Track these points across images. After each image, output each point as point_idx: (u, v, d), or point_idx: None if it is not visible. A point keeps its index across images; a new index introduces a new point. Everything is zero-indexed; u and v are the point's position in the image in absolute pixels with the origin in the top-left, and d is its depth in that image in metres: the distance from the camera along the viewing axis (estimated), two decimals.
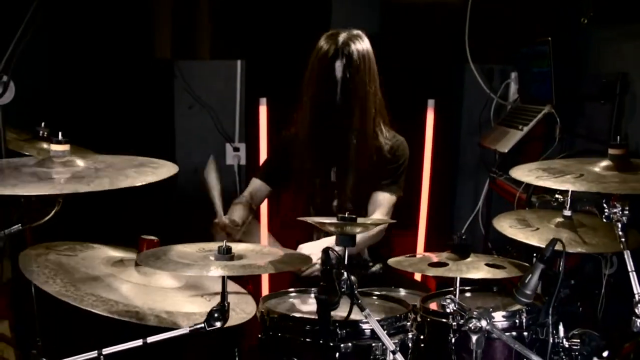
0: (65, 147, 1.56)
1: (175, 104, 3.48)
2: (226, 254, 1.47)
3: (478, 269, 1.48)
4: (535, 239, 1.86)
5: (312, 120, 2.31)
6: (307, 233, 2.41)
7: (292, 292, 1.87)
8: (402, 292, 2.08)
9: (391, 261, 1.57)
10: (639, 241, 1.89)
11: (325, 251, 1.41)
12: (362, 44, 2.28)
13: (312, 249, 2.00)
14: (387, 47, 3.39)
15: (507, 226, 1.99)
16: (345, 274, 1.42)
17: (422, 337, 1.63)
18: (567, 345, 1.60)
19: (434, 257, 1.61)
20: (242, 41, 3.52)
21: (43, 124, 2.20)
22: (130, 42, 3.25)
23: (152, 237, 1.75)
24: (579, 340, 1.64)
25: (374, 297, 1.84)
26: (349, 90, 2.22)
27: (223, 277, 1.41)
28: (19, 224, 1.68)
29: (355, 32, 2.31)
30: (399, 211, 2.56)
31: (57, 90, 3.09)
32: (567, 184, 1.57)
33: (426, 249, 3.25)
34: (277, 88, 3.36)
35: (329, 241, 2.10)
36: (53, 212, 1.62)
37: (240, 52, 3.44)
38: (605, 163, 1.64)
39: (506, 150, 2.82)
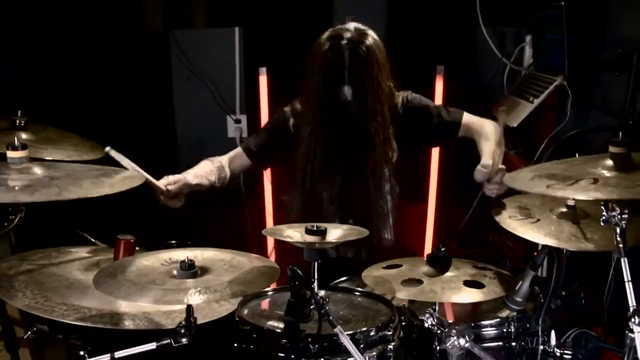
0: (23, 154, 1.52)
1: (173, 77, 3.35)
2: (189, 270, 1.40)
3: (454, 290, 1.37)
4: (534, 233, 1.76)
5: (316, 120, 2.19)
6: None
7: (270, 292, 1.79)
8: None
9: (365, 276, 1.47)
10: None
11: (292, 268, 1.33)
12: (369, 40, 2.14)
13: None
14: (395, 11, 3.22)
15: (507, 216, 1.89)
16: (314, 291, 1.34)
17: (405, 344, 1.54)
18: (558, 354, 1.51)
19: (407, 266, 1.50)
20: (239, 7, 3.37)
21: (19, 112, 2.09)
22: (119, 16, 3.15)
23: (129, 237, 1.71)
24: (572, 348, 1.54)
25: (358, 295, 1.74)
26: (357, 90, 2.10)
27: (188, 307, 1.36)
28: None
29: (362, 28, 2.18)
30: (409, 181, 2.48)
31: (47, 72, 3.02)
32: (590, 193, 1.41)
33: (436, 220, 3.18)
34: (277, 56, 3.25)
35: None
36: (17, 219, 1.60)
37: (238, 19, 3.28)
38: (607, 162, 1.50)
39: (515, 125, 2.67)
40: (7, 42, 2.80)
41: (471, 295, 1.37)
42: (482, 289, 1.39)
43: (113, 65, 3.17)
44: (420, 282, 1.40)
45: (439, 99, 3.07)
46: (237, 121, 3.39)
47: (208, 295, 1.31)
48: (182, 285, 1.36)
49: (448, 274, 1.45)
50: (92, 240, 2.31)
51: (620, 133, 1.45)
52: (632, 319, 1.37)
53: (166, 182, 2.11)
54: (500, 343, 1.52)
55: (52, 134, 2.17)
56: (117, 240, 1.70)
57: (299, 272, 1.31)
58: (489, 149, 2.12)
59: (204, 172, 2.26)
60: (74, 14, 3.02)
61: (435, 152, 3.04)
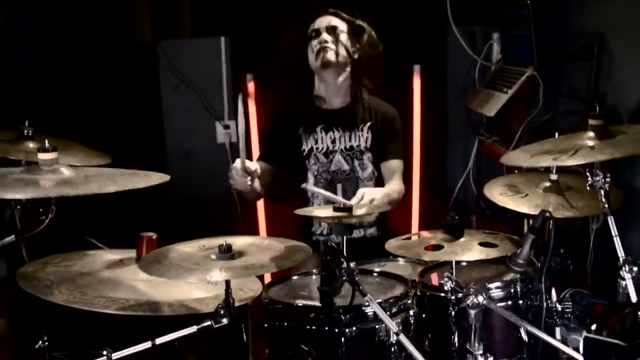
0: (53, 155, 1.58)
1: (161, 86, 3.44)
2: (227, 253, 1.51)
3: (472, 250, 1.55)
4: (525, 206, 1.96)
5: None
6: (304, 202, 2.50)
7: (294, 277, 1.94)
8: (401, 261, 2.17)
9: (389, 246, 1.63)
10: (621, 200, 2.00)
11: (326, 244, 1.47)
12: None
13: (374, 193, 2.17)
14: (370, 15, 3.40)
15: (498, 194, 2.08)
16: (345, 262, 1.47)
17: (423, 312, 1.71)
18: (560, 309, 1.69)
19: (428, 236, 1.68)
20: (224, 17, 3.48)
21: (27, 122, 2.16)
22: (110, 28, 3.21)
23: (151, 234, 1.77)
24: (571, 303, 1.73)
25: (375, 275, 1.91)
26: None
27: (227, 281, 1.46)
28: (12, 235, 1.71)
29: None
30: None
31: (39, 84, 3.04)
32: (596, 156, 1.62)
33: (421, 212, 3.35)
34: (263, 63, 3.37)
35: (383, 191, 2.30)
36: (47, 220, 1.65)
37: (224, 28, 3.40)
38: (589, 134, 1.71)
39: (493, 114, 2.88)
40: (9, 55, 2.84)
41: (488, 253, 1.54)
42: (495, 248, 1.56)
43: (104, 75, 3.22)
44: (440, 247, 1.57)
45: (417, 97, 3.27)
46: (226, 127, 3.48)
47: (255, 270, 1.43)
48: (227, 265, 1.47)
49: (462, 239, 1.62)
50: (100, 245, 2.38)
51: (597, 107, 1.66)
52: (623, 268, 1.57)
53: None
54: (509, 302, 1.69)
55: (56, 144, 2.22)
56: (140, 237, 1.76)
57: (334, 245, 1.45)
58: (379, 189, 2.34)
59: (267, 168, 2.42)
60: (67, 26, 3.08)
61: (416, 144, 3.23)
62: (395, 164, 2.49)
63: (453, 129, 3.63)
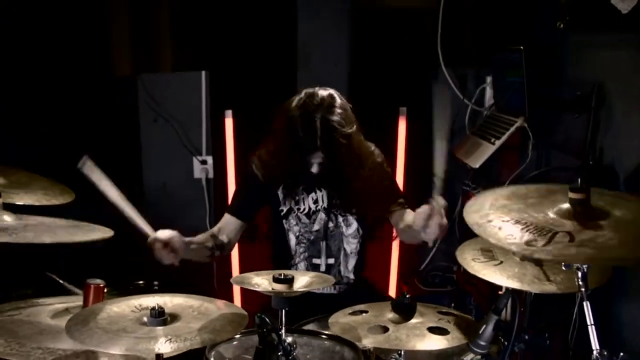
0: None
1: (140, 119, 3.36)
2: (159, 317, 1.42)
3: (418, 337, 1.37)
4: (497, 275, 1.77)
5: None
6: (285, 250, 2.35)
7: (238, 336, 1.76)
8: None
9: (333, 322, 1.46)
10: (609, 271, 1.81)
11: (260, 316, 1.34)
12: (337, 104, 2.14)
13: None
14: (357, 54, 3.29)
15: (470, 259, 1.91)
16: (280, 338, 1.33)
17: None
18: None
19: (373, 312, 1.50)
20: (205, 52, 3.43)
21: None
22: (89, 63, 3.18)
23: (98, 282, 1.71)
24: None
25: (324, 337, 1.73)
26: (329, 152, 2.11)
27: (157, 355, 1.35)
28: None
29: (327, 93, 2.16)
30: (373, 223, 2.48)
31: (17, 115, 3.02)
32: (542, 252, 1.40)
33: (401, 259, 3.20)
34: (243, 99, 3.30)
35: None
36: None
37: (204, 63, 3.33)
38: (563, 206, 1.52)
39: (477, 166, 2.71)
40: None
41: (436, 343, 1.36)
42: (446, 335, 1.38)
43: (82, 108, 3.19)
44: (386, 329, 1.39)
45: (402, 141, 3.13)
46: (203, 162, 3.39)
47: (178, 344, 1.33)
48: (152, 334, 1.38)
49: (413, 320, 1.45)
50: (61, 282, 2.30)
51: (580, 179, 1.48)
52: None
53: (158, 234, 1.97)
54: None
55: (22, 178, 2.20)
56: (87, 285, 1.70)
57: (267, 320, 1.31)
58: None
59: (200, 238, 2.18)
60: (44, 56, 3.05)
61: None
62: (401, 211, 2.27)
63: (438, 176, 3.46)
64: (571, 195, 1.50)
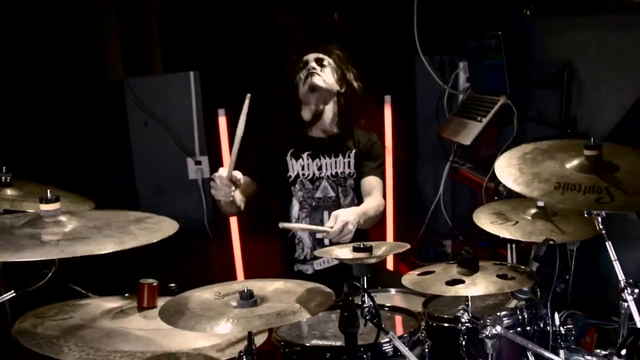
0: (56, 206, 1.50)
1: (129, 122, 3.36)
2: (249, 299, 1.46)
3: (493, 283, 1.56)
4: (518, 233, 1.98)
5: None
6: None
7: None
8: (392, 291, 2.20)
9: (406, 282, 1.63)
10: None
11: (350, 283, 1.44)
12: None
13: (347, 216, 2.16)
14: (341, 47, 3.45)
15: (488, 222, 2.09)
16: (372, 302, 1.47)
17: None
18: (563, 332, 1.72)
19: (441, 270, 1.68)
20: (194, 53, 3.47)
21: (4, 168, 2.09)
22: (80, 67, 3.16)
23: (152, 281, 1.70)
24: (572, 325, 1.77)
25: (386, 310, 1.91)
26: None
27: (249, 333, 1.42)
28: (12, 291, 1.59)
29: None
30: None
31: (7, 120, 2.99)
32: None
33: (395, 237, 3.38)
34: (234, 97, 3.33)
35: (356, 211, 2.25)
36: (50, 273, 1.54)
37: (194, 64, 3.37)
38: (579, 162, 1.74)
39: (469, 142, 2.94)
40: None
41: (509, 285, 1.55)
42: (513, 280, 1.58)
43: (72, 113, 3.16)
44: (460, 281, 1.57)
45: (388, 126, 3.32)
46: (198, 163, 3.42)
47: (289, 316, 1.38)
48: (255, 313, 1.41)
49: (479, 273, 1.63)
50: (84, 292, 2.29)
51: (592, 138, 1.71)
52: (625, 291, 1.62)
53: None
54: (518, 329, 1.71)
55: (34, 189, 2.15)
56: (140, 284, 1.69)
57: (357, 284, 1.44)
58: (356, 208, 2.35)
59: (249, 181, 2.36)
60: (34, 63, 3.04)
61: (389, 171, 3.26)
62: (374, 180, 2.52)
63: (423, 156, 3.69)
64: (586, 152, 1.72)
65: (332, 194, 2.51)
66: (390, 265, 3.42)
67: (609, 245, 1.71)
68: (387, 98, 3.29)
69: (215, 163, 3.30)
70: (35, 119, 3.08)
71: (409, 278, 1.64)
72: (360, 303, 1.50)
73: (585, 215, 1.76)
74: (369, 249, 1.58)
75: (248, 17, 3.51)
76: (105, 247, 1.41)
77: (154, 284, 1.70)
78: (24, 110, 3.04)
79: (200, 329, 1.38)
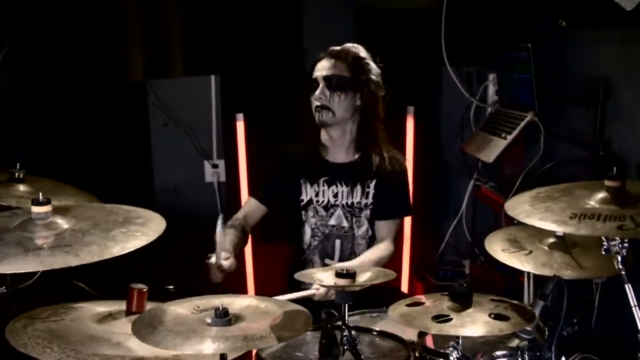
0: (47, 209, 1.51)
1: (151, 123, 3.38)
2: (223, 318, 1.40)
3: (483, 323, 1.44)
4: (530, 264, 1.84)
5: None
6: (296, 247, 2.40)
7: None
8: None
9: (393, 313, 1.52)
10: (632, 260, 1.89)
11: (327, 311, 1.38)
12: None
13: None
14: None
15: (500, 250, 1.97)
16: (348, 331, 1.39)
17: None
18: None
19: (431, 304, 1.57)
20: (215, 56, 3.45)
21: (18, 165, 2.09)
22: (101, 68, 3.19)
23: (142, 286, 1.68)
24: None
25: (374, 334, 1.80)
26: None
27: (221, 356, 1.36)
28: (3, 287, 1.65)
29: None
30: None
31: (30, 120, 3.02)
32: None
33: (411, 255, 3.27)
34: (253, 102, 3.32)
35: (356, 262, 2.16)
36: (38, 273, 1.58)
37: (214, 68, 3.36)
38: (601, 195, 1.60)
39: (491, 160, 2.80)
40: None
41: (501, 327, 1.43)
42: (507, 321, 1.45)
43: (94, 113, 3.20)
44: (448, 317, 1.45)
45: (410, 138, 3.20)
46: (215, 166, 3.43)
47: (255, 342, 1.31)
48: (225, 333, 1.36)
49: (470, 309, 1.51)
50: (87, 289, 2.28)
51: (615, 168, 1.56)
52: None
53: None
54: None
55: (47, 185, 2.18)
56: (130, 289, 1.68)
57: (334, 313, 1.35)
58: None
59: (235, 242, 2.27)
60: (56, 62, 3.06)
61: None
62: (389, 227, 2.36)
63: (446, 171, 3.56)
64: (608, 183, 1.58)
65: (345, 224, 2.36)
66: (405, 283, 3.30)
67: (628, 288, 1.56)
68: (410, 109, 3.18)
69: (232, 167, 3.27)
70: (54, 117, 3.09)
71: (397, 308, 1.52)
72: (342, 330, 1.41)
73: (603, 253, 1.61)
74: (352, 276, 1.48)
75: (272, 21, 3.44)
76: (84, 258, 1.42)
77: (144, 290, 1.68)
78: (44, 108, 3.06)
79: (166, 346, 1.34)
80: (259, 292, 3.22)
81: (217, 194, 3.44)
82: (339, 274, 1.49)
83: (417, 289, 3.20)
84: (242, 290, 3.26)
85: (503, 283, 2.84)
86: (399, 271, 3.34)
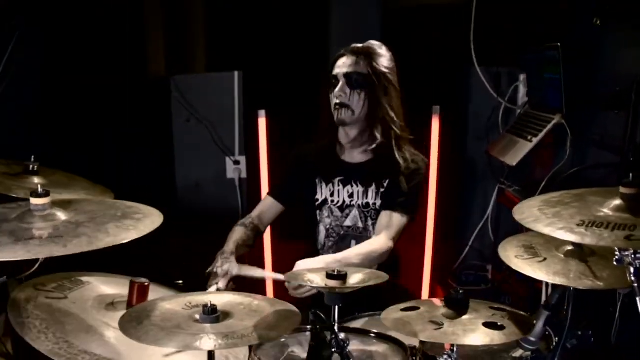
0: (45, 201, 1.53)
1: (173, 119, 3.39)
2: (211, 314, 1.39)
3: (474, 332, 1.37)
4: (543, 272, 1.75)
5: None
6: (310, 247, 2.36)
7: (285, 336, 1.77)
8: None
9: (385, 315, 1.46)
10: None
11: (314, 312, 1.33)
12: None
13: (308, 266, 1.98)
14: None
15: (513, 256, 1.88)
16: (335, 335, 1.34)
17: None
18: None
19: (428, 308, 1.50)
20: (238, 52, 3.46)
21: (33, 157, 2.12)
22: (124, 62, 3.22)
23: (144, 281, 1.69)
24: None
25: (372, 336, 1.73)
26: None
27: (209, 353, 1.34)
28: (4, 276, 1.64)
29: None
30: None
31: (51, 114, 3.07)
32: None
33: (434, 259, 3.19)
34: (276, 99, 3.31)
35: (325, 260, 2.07)
36: (38, 263, 1.59)
37: (237, 64, 3.35)
38: (615, 202, 1.50)
39: (514, 164, 2.70)
40: (14, 86, 2.85)
41: (492, 338, 1.36)
42: (502, 330, 1.38)
43: (116, 108, 3.23)
44: (440, 324, 1.39)
45: (435, 138, 3.12)
46: (236, 162, 3.42)
47: (235, 341, 1.30)
48: (207, 330, 1.35)
49: (466, 316, 1.44)
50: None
51: (631, 174, 1.47)
52: None
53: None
54: None
55: (61, 178, 2.22)
56: (132, 283, 1.69)
57: (322, 315, 1.31)
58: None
59: (242, 241, 2.25)
60: (78, 58, 3.10)
61: (432, 190, 3.06)
62: (389, 218, 2.23)
63: (472, 173, 3.46)
64: (623, 190, 1.48)
65: (360, 224, 2.29)
66: (426, 288, 3.22)
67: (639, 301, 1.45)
68: (436, 109, 3.09)
69: (253, 163, 3.24)
70: (75, 112, 3.14)
71: (392, 312, 1.46)
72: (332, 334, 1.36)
73: (615, 264, 1.51)
74: (343, 277, 1.42)
75: (296, 18, 3.42)
76: (71, 249, 1.42)
77: (146, 284, 1.69)
78: (65, 103, 3.11)
79: (147, 340, 1.32)
80: (276, 290, 3.20)
81: (238, 190, 3.43)
82: (329, 276, 1.44)
83: (438, 292, 3.11)
84: (261, 288, 3.24)
85: (523, 290, 2.73)
86: (419, 276, 3.27)
